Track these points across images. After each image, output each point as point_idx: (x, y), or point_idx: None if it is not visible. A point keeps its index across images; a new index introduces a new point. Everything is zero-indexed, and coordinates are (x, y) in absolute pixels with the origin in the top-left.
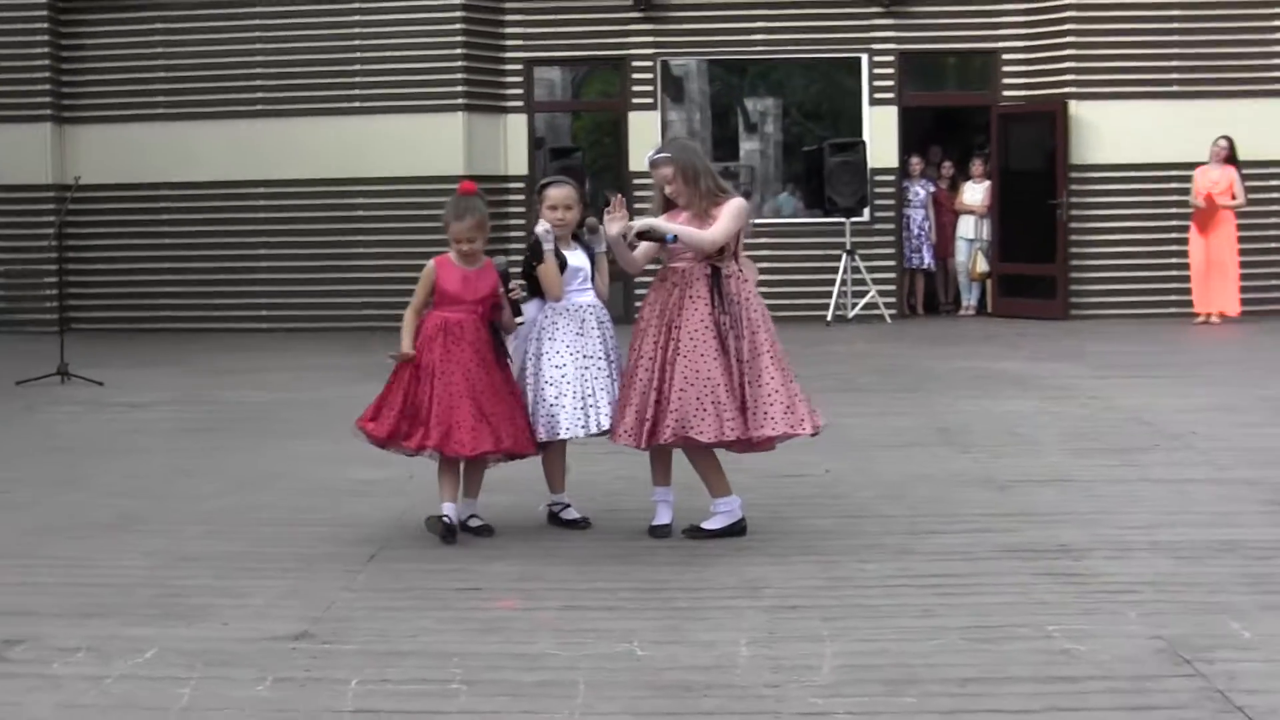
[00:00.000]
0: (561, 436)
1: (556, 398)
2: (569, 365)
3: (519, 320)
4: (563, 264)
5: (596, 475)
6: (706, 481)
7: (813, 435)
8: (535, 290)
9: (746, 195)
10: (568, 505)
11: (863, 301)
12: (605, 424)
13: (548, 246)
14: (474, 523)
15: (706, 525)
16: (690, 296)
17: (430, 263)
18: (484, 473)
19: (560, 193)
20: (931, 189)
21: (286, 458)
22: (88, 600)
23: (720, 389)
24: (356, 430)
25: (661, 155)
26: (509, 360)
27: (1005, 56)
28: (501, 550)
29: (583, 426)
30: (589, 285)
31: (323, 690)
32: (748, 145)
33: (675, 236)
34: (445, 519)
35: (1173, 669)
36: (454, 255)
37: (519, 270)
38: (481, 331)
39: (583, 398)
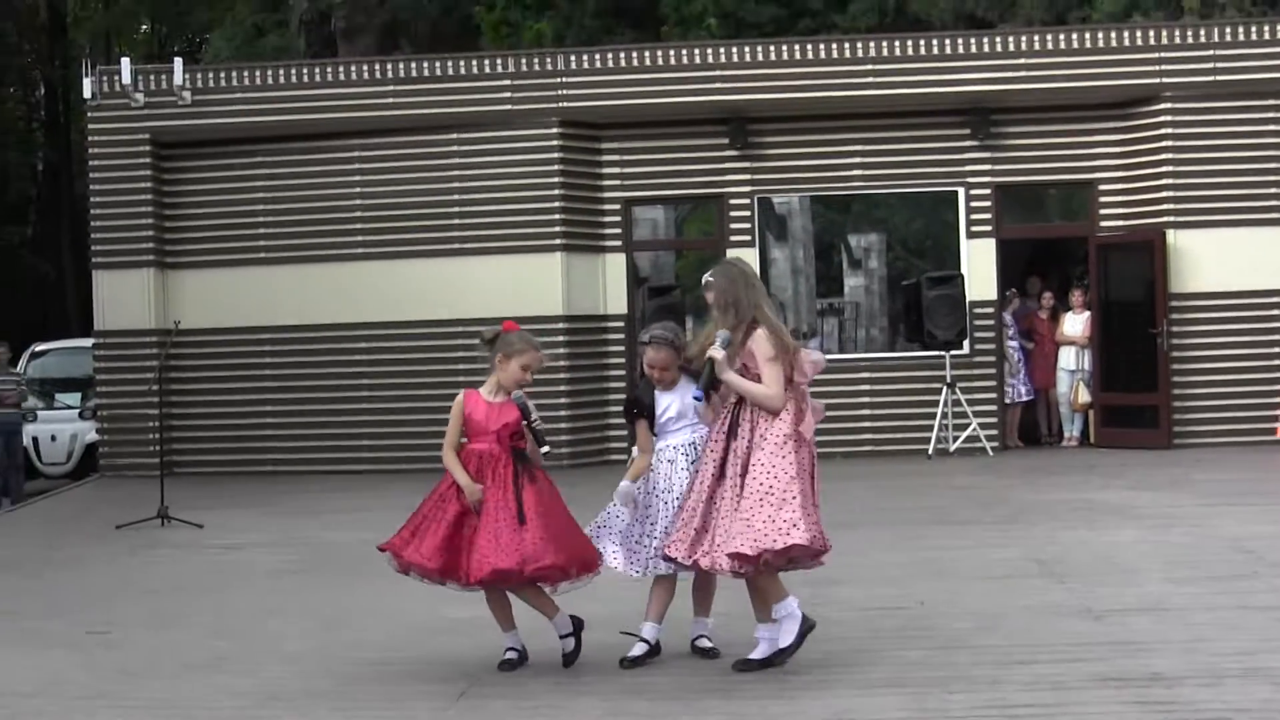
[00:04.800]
0: (617, 569)
1: (641, 536)
2: (654, 506)
3: (544, 450)
4: (652, 415)
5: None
6: (766, 593)
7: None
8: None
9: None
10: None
11: (964, 434)
12: (652, 569)
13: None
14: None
15: (782, 643)
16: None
17: (460, 395)
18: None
19: (652, 358)
20: (1012, 327)
21: (381, 595)
22: None
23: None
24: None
25: (706, 279)
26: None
27: (1102, 187)
28: (589, 686)
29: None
30: (686, 422)
31: None
32: (852, 281)
33: (701, 396)
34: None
35: None
36: (490, 388)
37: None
38: (503, 458)
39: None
